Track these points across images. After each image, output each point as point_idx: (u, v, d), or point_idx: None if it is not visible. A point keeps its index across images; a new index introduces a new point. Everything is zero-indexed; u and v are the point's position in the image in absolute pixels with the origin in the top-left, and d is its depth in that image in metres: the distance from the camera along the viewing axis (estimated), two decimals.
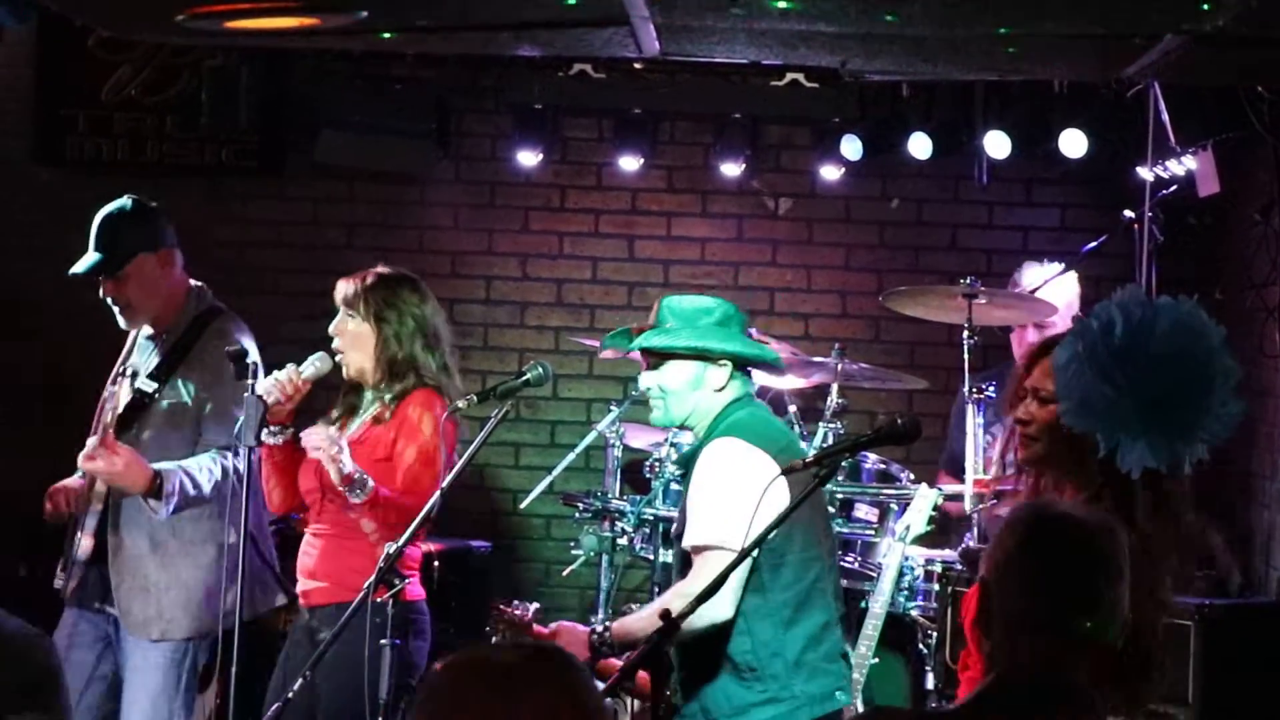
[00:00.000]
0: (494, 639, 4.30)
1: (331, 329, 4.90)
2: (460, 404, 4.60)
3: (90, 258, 5.25)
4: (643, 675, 4.26)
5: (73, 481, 5.23)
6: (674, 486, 5.97)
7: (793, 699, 4.22)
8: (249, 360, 4.75)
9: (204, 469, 5.07)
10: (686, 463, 4.41)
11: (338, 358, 4.87)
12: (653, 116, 7.28)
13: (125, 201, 5.35)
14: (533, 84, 7.00)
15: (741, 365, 4.36)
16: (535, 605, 4.33)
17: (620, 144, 7.26)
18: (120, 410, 5.13)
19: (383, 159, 7.16)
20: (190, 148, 7.41)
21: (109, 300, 5.26)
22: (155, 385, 5.17)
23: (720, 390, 4.33)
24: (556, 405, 7.46)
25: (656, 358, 4.36)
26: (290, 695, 4.25)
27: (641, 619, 4.27)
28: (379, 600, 4.31)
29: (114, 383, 5.35)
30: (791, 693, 4.22)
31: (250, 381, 4.67)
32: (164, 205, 7.17)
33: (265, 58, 6.86)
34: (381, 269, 4.97)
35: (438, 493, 4.42)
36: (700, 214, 7.51)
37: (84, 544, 5.16)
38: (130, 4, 5.30)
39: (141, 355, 5.32)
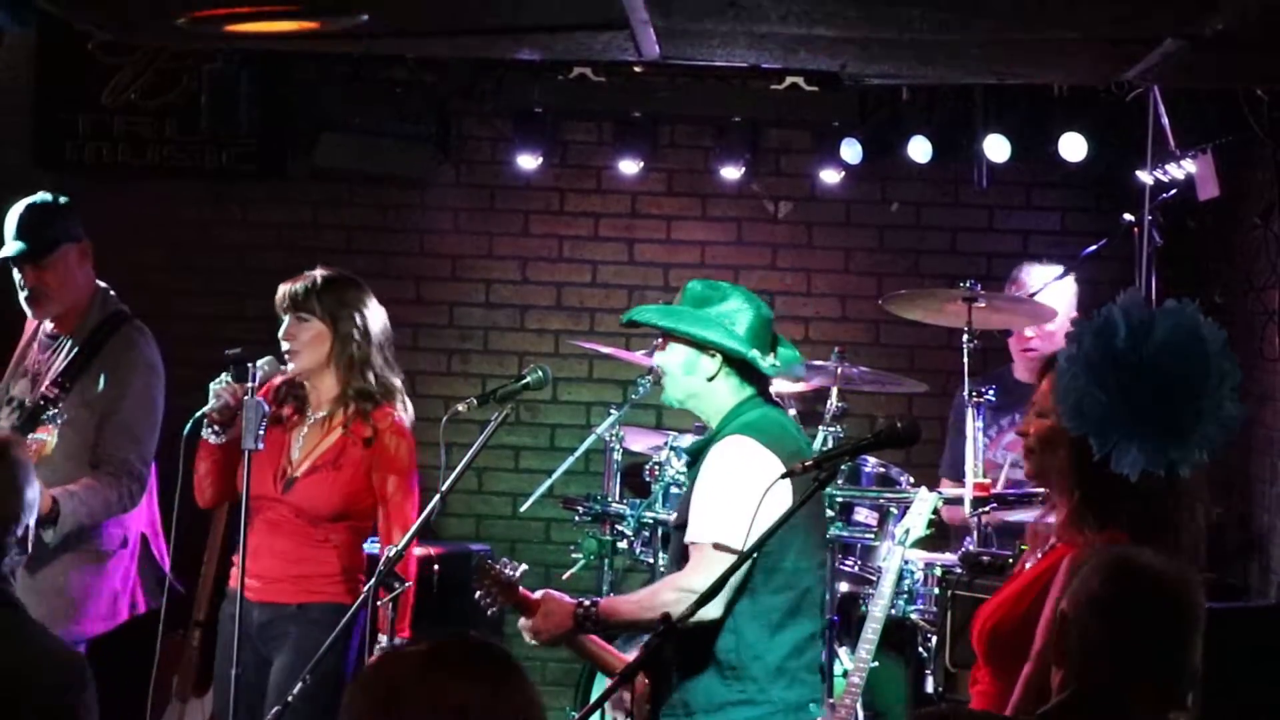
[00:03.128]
0: (477, 594, 4.32)
1: (282, 333, 4.92)
2: (460, 407, 4.61)
3: (16, 245, 5.24)
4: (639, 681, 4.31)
5: None
6: (674, 490, 5.97)
7: (769, 703, 4.24)
8: (248, 365, 4.76)
9: (100, 496, 5.12)
10: (695, 454, 4.43)
11: (287, 360, 4.90)
12: (652, 120, 7.28)
13: (46, 195, 5.38)
14: (533, 87, 7.00)
15: (740, 364, 4.36)
16: (523, 567, 4.35)
17: (620, 147, 7.27)
18: (21, 419, 5.10)
19: (383, 162, 7.16)
20: (190, 151, 7.41)
21: (27, 289, 5.26)
22: (59, 391, 5.17)
23: (712, 380, 4.35)
24: (556, 408, 7.46)
25: (665, 337, 4.43)
26: (290, 699, 4.26)
27: (631, 602, 4.32)
28: (380, 602, 4.34)
29: (13, 380, 5.34)
30: (769, 697, 4.24)
31: (250, 385, 4.68)
32: (164, 209, 7.18)
33: (265, 61, 6.86)
34: (323, 270, 5.00)
35: (437, 496, 4.45)
36: (700, 217, 7.51)
37: None
38: (130, 7, 5.30)
39: (44, 353, 5.32)
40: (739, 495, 4.10)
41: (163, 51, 7.14)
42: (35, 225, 5.28)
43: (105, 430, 5.21)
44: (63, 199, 5.41)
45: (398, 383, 4.98)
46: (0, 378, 5.48)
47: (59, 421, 4.96)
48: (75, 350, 5.27)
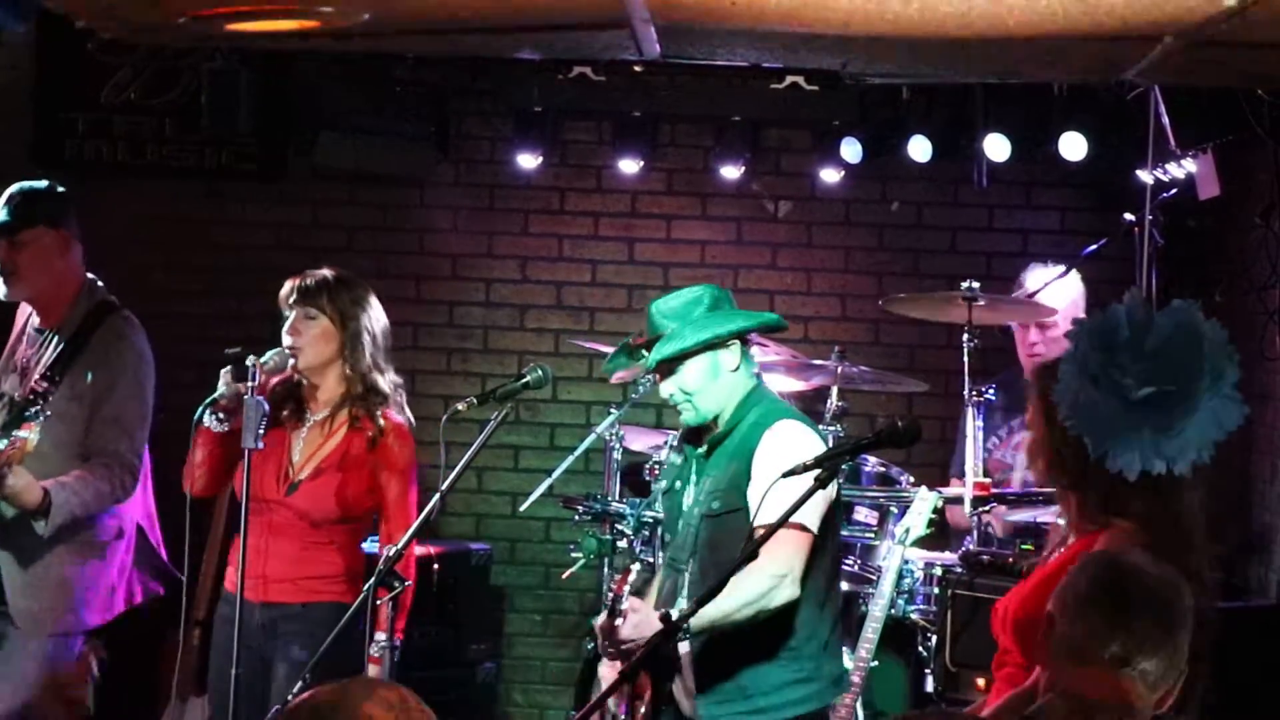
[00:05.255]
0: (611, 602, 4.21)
1: (287, 328, 4.88)
2: (460, 406, 4.61)
3: None
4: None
5: None
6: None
7: (821, 679, 4.38)
8: (247, 364, 4.75)
9: (92, 488, 5.12)
10: (718, 441, 4.42)
11: (291, 355, 4.86)
12: (652, 119, 7.28)
13: (41, 182, 5.42)
14: (533, 86, 6.99)
15: (745, 338, 4.44)
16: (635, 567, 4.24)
17: (620, 146, 7.26)
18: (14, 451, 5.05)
19: (382, 162, 7.15)
20: (190, 150, 7.40)
21: None
22: (47, 385, 5.17)
23: (735, 370, 4.40)
24: (556, 408, 7.46)
25: (669, 364, 4.39)
26: (291, 698, 4.25)
27: (727, 599, 4.11)
28: (379, 601, 4.33)
29: (2, 377, 5.36)
30: (820, 673, 4.37)
31: (250, 385, 4.67)
32: (164, 208, 7.16)
33: (265, 60, 6.85)
34: (329, 270, 4.98)
35: (437, 495, 4.45)
36: (700, 217, 7.51)
37: None
38: (131, 6, 5.30)
39: (31, 347, 5.34)
40: (809, 480, 4.15)
41: (162, 51, 7.13)
42: (15, 203, 5.32)
43: (95, 422, 5.22)
44: (59, 189, 5.44)
45: (397, 385, 4.96)
46: None
47: (42, 418, 4.95)
48: (62, 343, 5.28)
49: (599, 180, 7.50)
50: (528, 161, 7.24)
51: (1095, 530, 3.42)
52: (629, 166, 7.27)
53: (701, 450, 4.48)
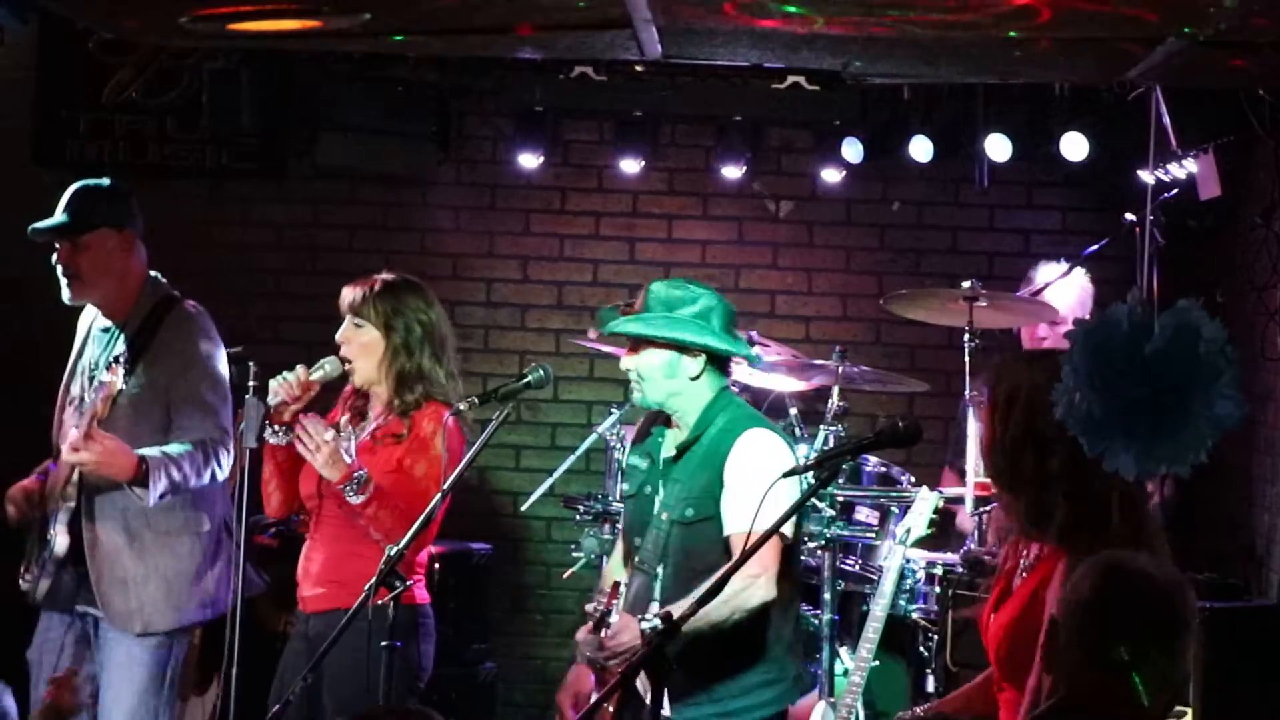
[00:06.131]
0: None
1: (338, 336, 4.88)
2: (461, 406, 4.60)
3: (54, 219, 5.21)
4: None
5: (30, 481, 5.21)
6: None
7: (786, 680, 4.45)
8: (249, 364, 4.74)
9: (186, 455, 5.01)
10: (686, 447, 4.48)
11: (345, 365, 4.86)
12: (654, 119, 7.29)
13: (103, 179, 5.35)
14: (534, 86, 7.00)
15: (716, 359, 4.49)
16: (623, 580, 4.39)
17: (621, 146, 7.27)
18: (98, 402, 5.00)
19: (384, 161, 7.16)
20: (191, 150, 7.41)
21: (60, 267, 5.21)
22: (121, 377, 5.11)
23: (695, 379, 4.46)
24: (557, 407, 7.46)
25: (637, 342, 4.49)
26: (290, 698, 4.25)
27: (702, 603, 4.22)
28: (379, 603, 4.29)
29: (72, 380, 5.31)
30: (785, 674, 4.44)
31: (252, 384, 4.66)
32: (165, 208, 7.16)
33: (266, 60, 6.86)
34: (387, 275, 4.95)
35: (439, 494, 4.44)
36: (701, 216, 7.51)
37: (59, 541, 5.08)
38: (132, 6, 5.30)
39: (98, 348, 5.27)
40: (780, 484, 4.15)
41: (163, 51, 7.13)
42: (78, 203, 5.23)
43: (174, 406, 5.12)
44: (121, 186, 5.36)
45: (453, 387, 4.87)
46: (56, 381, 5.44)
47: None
48: (129, 339, 5.22)
49: (600, 180, 7.50)
50: (529, 161, 7.25)
51: (1048, 548, 3.40)
52: (630, 166, 7.28)
53: (670, 455, 4.53)
